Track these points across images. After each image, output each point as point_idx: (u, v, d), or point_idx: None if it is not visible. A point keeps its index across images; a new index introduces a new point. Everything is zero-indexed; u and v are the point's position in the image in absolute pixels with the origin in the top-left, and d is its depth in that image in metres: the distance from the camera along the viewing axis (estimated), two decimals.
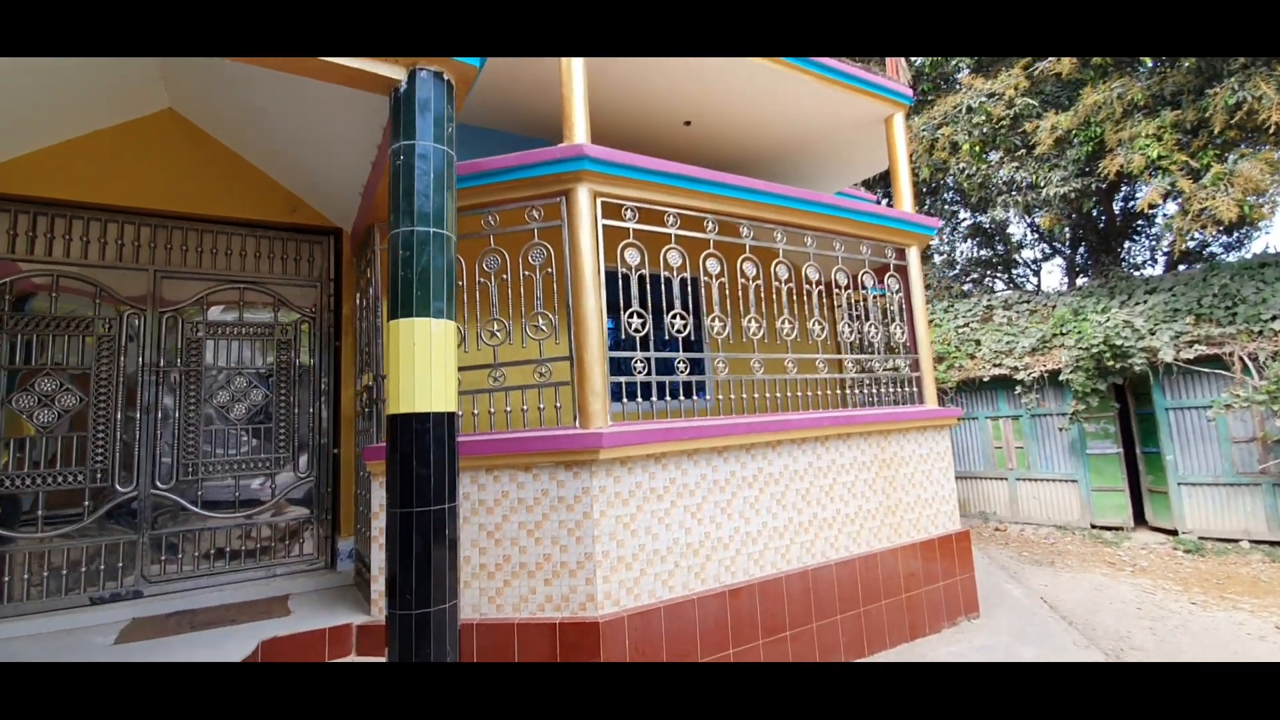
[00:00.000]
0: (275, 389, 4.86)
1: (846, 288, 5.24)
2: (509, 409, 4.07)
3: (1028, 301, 11.82)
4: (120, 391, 4.39)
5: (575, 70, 4.17)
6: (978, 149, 10.27)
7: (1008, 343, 10.78)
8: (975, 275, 18.00)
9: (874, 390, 5.55)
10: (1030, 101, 9.73)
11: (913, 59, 12.44)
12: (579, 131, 4.12)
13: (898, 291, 5.69)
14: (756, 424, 4.36)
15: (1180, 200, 7.90)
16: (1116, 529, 9.29)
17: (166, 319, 4.58)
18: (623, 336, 5.80)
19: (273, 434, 4.81)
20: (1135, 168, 7.87)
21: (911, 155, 12.41)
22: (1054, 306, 11.05)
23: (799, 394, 5.22)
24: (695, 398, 6.41)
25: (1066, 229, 16.83)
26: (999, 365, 10.64)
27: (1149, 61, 8.32)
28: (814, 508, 4.66)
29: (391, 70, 2.69)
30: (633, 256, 4.17)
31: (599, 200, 4.08)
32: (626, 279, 4.20)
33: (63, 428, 4.21)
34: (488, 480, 3.82)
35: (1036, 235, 19.21)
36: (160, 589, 4.40)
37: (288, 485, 4.83)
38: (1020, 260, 20.90)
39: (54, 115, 4.12)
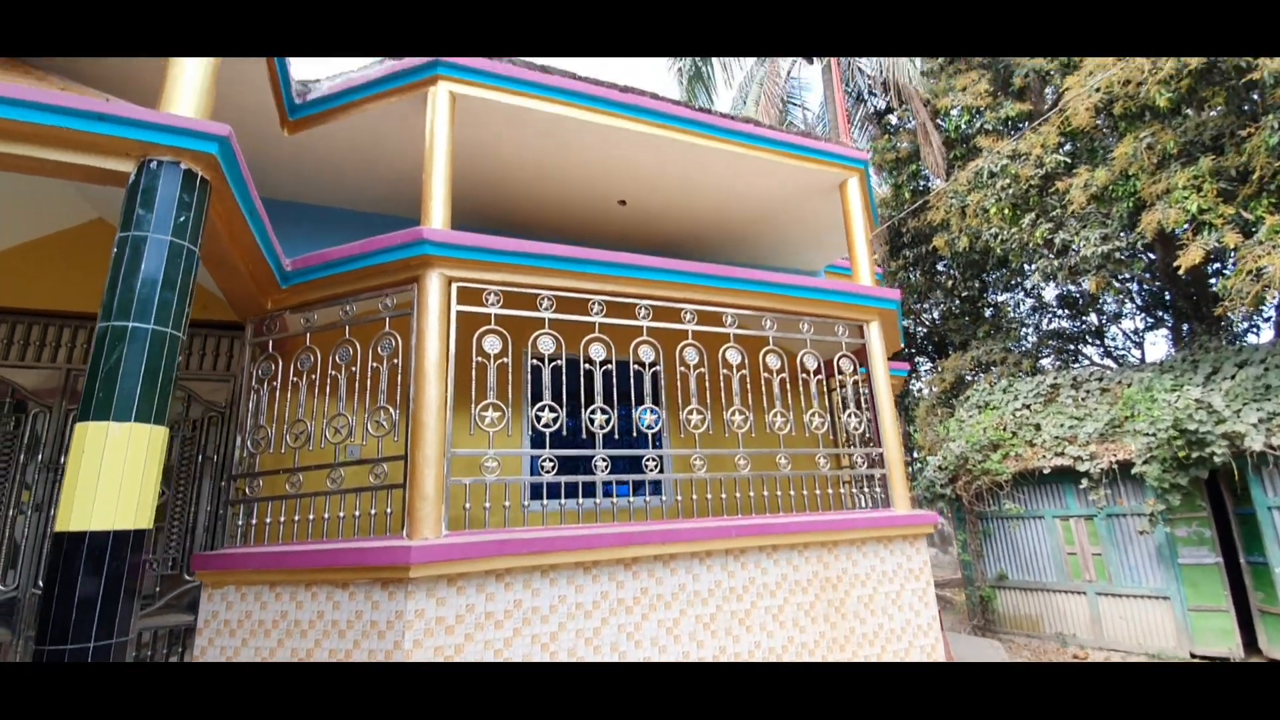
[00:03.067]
0: (173, 487, 4.78)
1: (780, 371, 4.57)
2: (342, 515, 3.68)
3: (1099, 379, 10.24)
4: (15, 489, 4.44)
5: (438, 151, 4.03)
6: (1008, 212, 9.30)
7: (1070, 427, 9.26)
8: (1056, 350, 16.09)
9: (827, 490, 4.71)
10: (1061, 158, 8.77)
11: (942, 125, 11.80)
12: (436, 216, 3.92)
13: (854, 375, 4.92)
14: (636, 534, 3.70)
15: (1233, 259, 6.60)
16: (1222, 660, 7.31)
17: (73, 416, 4.66)
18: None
19: (163, 534, 4.68)
20: (1173, 223, 6.69)
21: (944, 223, 11.53)
22: (1128, 384, 9.47)
23: (742, 495, 4.51)
24: (655, 496, 5.80)
25: (1168, 294, 14.87)
26: (1061, 454, 9.10)
27: (1184, 108, 7.29)
28: (721, 639, 3.84)
29: (118, 164, 2.58)
30: (492, 345, 3.81)
31: (454, 286, 3.80)
32: (484, 368, 3.82)
33: None
34: (305, 598, 3.40)
35: (1135, 304, 17.13)
36: None
37: (173, 590, 4.62)
38: (1122, 331, 18.64)
39: None
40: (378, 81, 4.26)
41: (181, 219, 2.61)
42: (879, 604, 4.37)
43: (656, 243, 6.55)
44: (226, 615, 3.51)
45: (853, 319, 5.00)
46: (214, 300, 5.01)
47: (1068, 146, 10.21)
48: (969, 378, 15.59)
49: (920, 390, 20.15)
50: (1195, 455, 7.00)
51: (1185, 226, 6.62)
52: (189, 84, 2.78)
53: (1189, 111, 7.56)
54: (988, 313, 17.22)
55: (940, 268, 17.86)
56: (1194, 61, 6.77)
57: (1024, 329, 16.67)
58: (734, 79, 16.40)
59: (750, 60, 16.74)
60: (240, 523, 3.81)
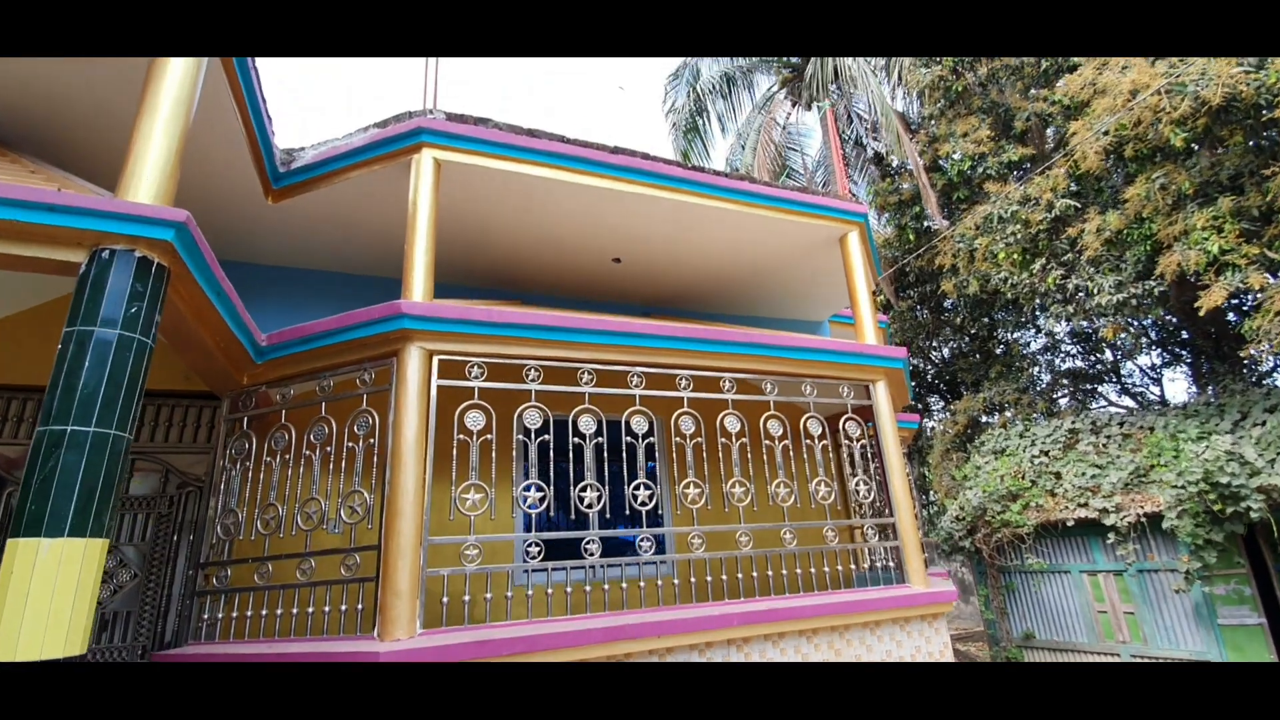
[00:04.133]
0: (146, 569, 4.55)
1: (782, 438, 4.33)
2: (311, 610, 3.43)
3: (1120, 424, 9.87)
4: None
5: (421, 220, 3.92)
6: (1017, 257, 9.12)
7: (1093, 476, 8.88)
8: (1072, 390, 15.67)
9: (836, 567, 4.40)
10: (1071, 203, 8.62)
11: (944, 166, 11.74)
12: (417, 288, 3.78)
13: (861, 439, 4.66)
14: (628, 627, 3.42)
15: (1257, 299, 6.35)
16: None
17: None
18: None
19: (134, 619, 4.43)
20: (1194, 264, 6.48)
21: (954, 267, 11.37)
22: (1150, 429, 9.10)
23: (745, 575, 4.21)
24: (652, 566, 5.49)
25: (1185, 332, 14.53)
26: (1084, 505, 8.70)
27: (1193, 145, 7.12)
28: None
29: (69, 255, 2.44)
30: (475, 420, 3.61)
31: (435, 359, 3.63)
32: (465, 446, 3.61)
33: None
34: None
35: (1149, 339, 16.75)
36: None
37: None
38: (1139, 368, 18.19)
39: None
40: (361, 149, 4.19)
41: (133, 310, 2.46)
42: None
43: (654, 299, 6.40)
44: None
45: (858, 379, 4.78)
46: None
47: (1075, 187, 10.08)
48: (983, 419, 15.20)
49: (933, 429, 19.70)
50: (1230, 510, 6.62)
51: (1209, 267, 6.39)
52: (150, 167, 2.66)
53: (1202, 152, 7.40)
54: (999, 350, 16.89)
55: (948, 304, 17.62)
56: (1214, 99, 6.59)
57: (1037, 368, 16.30)
58: (730, 129, 16.56)
59: (747, 108, 16.95)
60: (206, 616, 3.57)
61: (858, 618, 4.02)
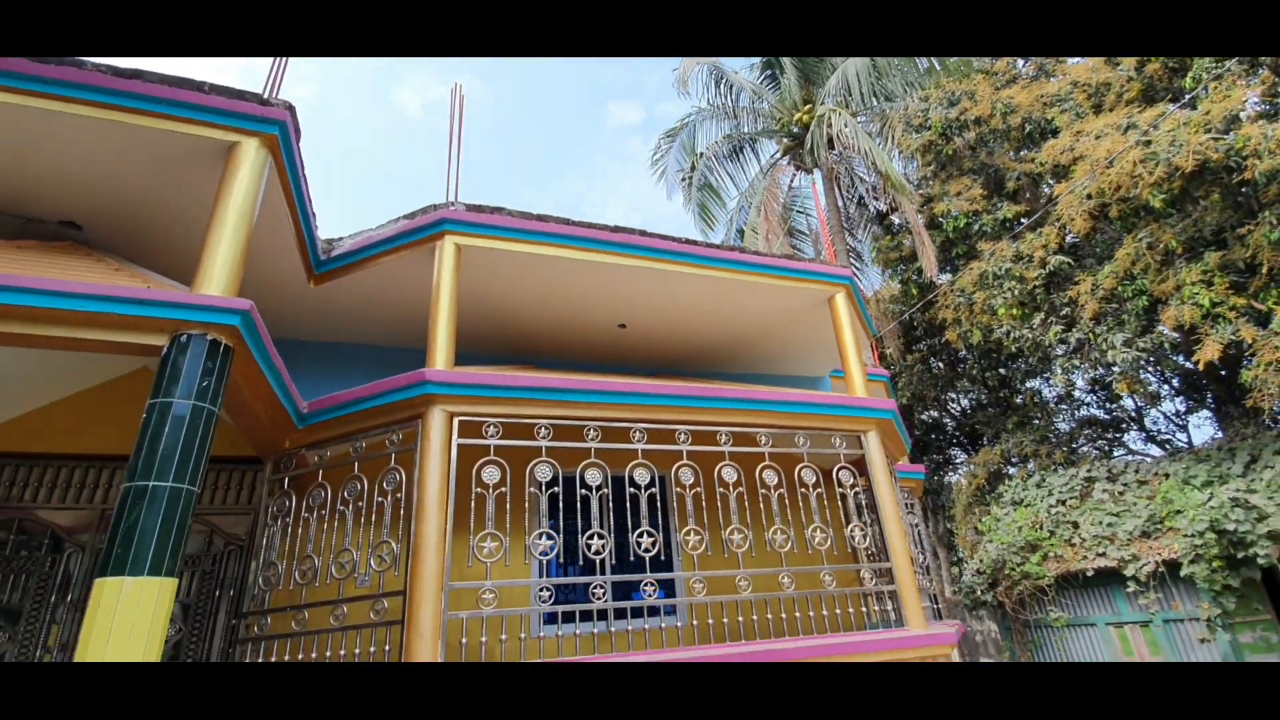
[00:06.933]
0: (190, 622, 4.90)
1: (778, 487, 4.62)
2: (344, 653, 3.74)
3: (1136, 470, 9.88)
4: (45, 628, 4.62)
5: (443, 298, 4.42)
6: (1015, 311, 9.45)
7: (1109, 525, 8.86)
8: (1093, 439, 15.53)
9: (834, 610, 4.59)
10: (1065, 259, 8.99)
11: (941, 223, 12.24)
12: (439, 357, 4.24)
13: (854, 487, 4.92)
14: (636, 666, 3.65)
15: (1251, 349, 6.56)
16: None
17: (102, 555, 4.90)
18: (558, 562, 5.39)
19: None
20: (1188, 319, 6.75)
21: (955, 320, 11.68)
22: (1166, 476, 9.11)
23: (745, 619, 4.43)
24: (670, 616, 5.68)
25: (1204, 379, 14.48)
26: (1103, 554, 8.66)
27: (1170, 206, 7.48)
28: None
29: (152, 338, 2.95)
30: (491, 475, 3.99)
31: (455, 420, 4.05)
32: (482, 498, 3.98)
33: None
34: None
35: (1171, 386, 16.67)
36: None
37: None
38: (1163, 414, 17.99)
39: (46, 381, 4.93)
40: (392, 239, 4.77)
41: (205, 384, 2.94)
42: None
43: (658, 361, 6.83)
44: None
45: (849, 430, 5.08)
46: (240, 437, 5.34)
47: (1070, 237, 10.45)
48: (1005, 471, 15.11)
49: (957, 483, 19.47)
50: (1241, 555, 6.62)
51: (1204, 321, 6.66)
52: (220, 266, 3.20)
53: (1185, 209, 7.76)
54: (1017, 400, 16.89)
55: (961, 355, 17.78)
56: (1186, 165, 6.99)
57: (1056, 418, 16.23)
58: (736, 187, 17.30)
59: (754, 170, 17.79)
60: (247, 662, 3.89)
61: (854, 659, 4.19)
